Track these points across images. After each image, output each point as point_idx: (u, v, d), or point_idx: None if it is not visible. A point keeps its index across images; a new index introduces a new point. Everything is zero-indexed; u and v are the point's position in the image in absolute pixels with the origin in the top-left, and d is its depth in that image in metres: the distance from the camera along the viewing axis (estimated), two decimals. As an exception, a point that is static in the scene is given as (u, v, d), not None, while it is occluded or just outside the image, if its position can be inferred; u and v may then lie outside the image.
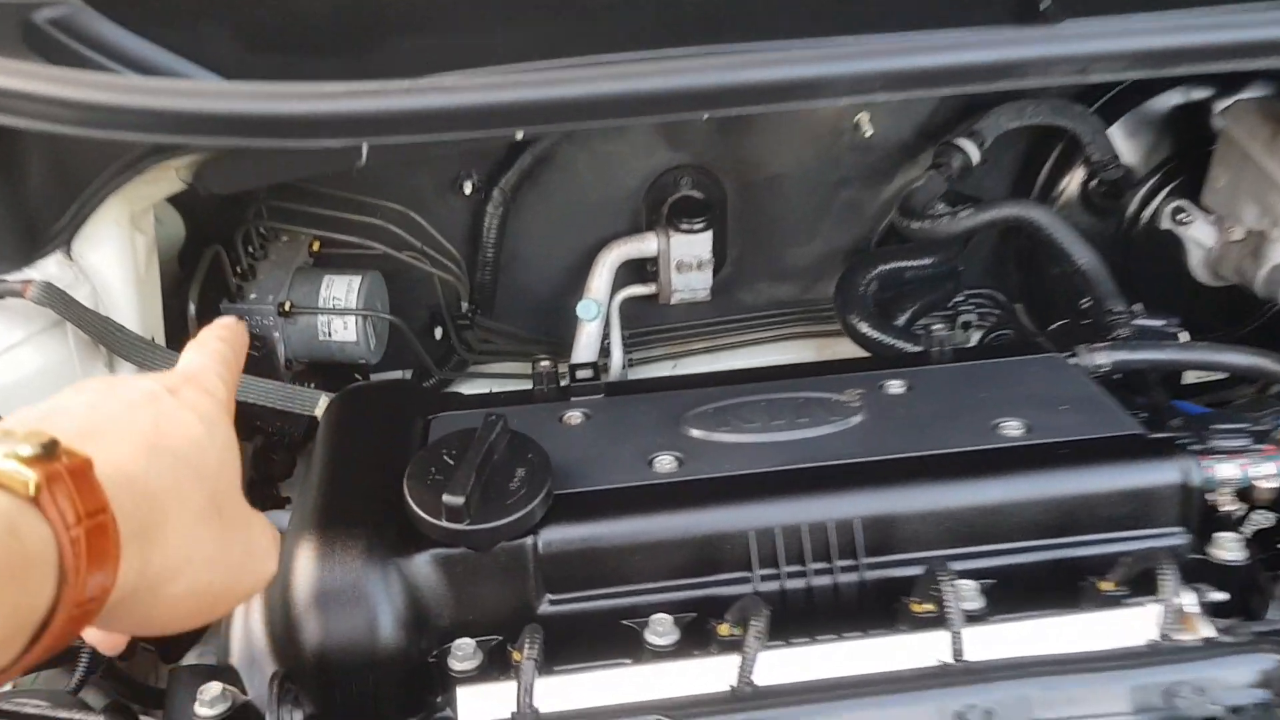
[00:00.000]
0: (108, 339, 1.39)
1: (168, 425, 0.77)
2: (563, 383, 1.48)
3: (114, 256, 1.46)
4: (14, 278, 1.34)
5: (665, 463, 1.28)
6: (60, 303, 1.33)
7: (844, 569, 1.20)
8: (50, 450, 0.62)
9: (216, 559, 0.79)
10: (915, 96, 1.11)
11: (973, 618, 1.13)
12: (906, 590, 1.18)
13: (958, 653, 1.08)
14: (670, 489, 1.24)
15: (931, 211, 1.73)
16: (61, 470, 0.61)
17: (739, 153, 1.91)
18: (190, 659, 1.52)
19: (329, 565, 1.14)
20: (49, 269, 1.39)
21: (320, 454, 1.33)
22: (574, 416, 1.39)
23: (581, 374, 1.46)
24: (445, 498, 1.12)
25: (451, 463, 1.20)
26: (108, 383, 0.81)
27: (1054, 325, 1.85)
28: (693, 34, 1.15)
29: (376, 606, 1.13)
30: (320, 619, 1.13)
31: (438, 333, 2.03)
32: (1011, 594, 1.19)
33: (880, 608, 1.19)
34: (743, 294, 2.12)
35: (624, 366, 2.03)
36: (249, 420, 1.78)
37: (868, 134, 1.83)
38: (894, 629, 1.15)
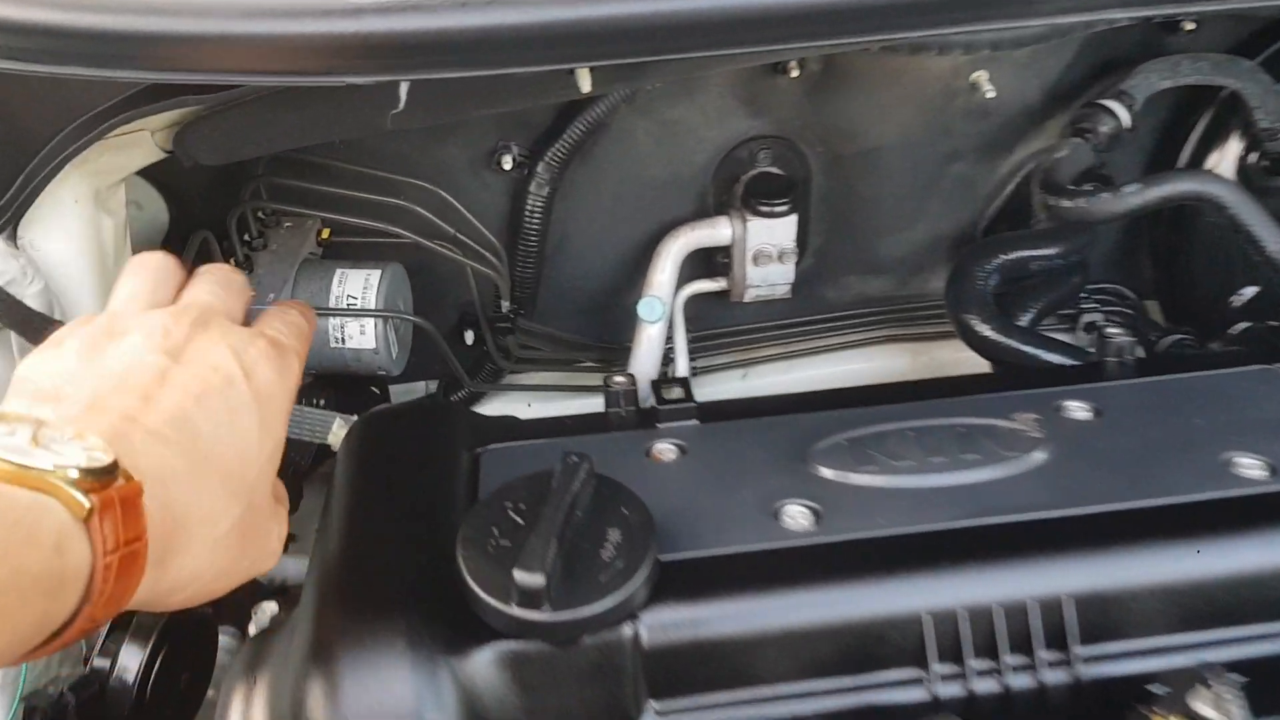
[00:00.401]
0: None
1: (225, 435, 0.76)
2: (643, 404, 1.17)
3: (74, 245, 1.15)
4: (-63, 273, 1.02)
5: (796, 515, 0.96)
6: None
7: (1052, 663, 0.89)
8: (109, 473, 0.63)
9: (228, 570, 0.80)
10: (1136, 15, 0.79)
11: (1241, 733, 0.82)
12: (1135, 691, 0.87)
13: (1245, 795, 0.76)
14: (809, 553, 0.93)
15: (1084, 188, 1.41)
16: (115, 498, 0.62)
17: (830, 119, 1.59)
18: (173, 752, 1.22)
19: (359, 667, 0.83)
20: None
21: (340, 504, 1.02)
22: (666, 450, 1.07)
23: (670, 394, 1.14)
24: (518, 575, 0.81)
25: (520, 521, 0.89)
26: (184, 349, 0.78)
27: (1240, 329, 1.53)
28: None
29: (423, 723, 0.82)
30: (346, 742, 0.81)
31: (468, 337, 1.71)
32: (1275, 694, 0.88)
33: (1103, 717, 0.88)
34: (826, 289, 1.80)
35: (689, 376, 1.71)
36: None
37: (988, 94, 1.51)
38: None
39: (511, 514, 0.89)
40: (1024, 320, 1.62)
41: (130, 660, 1.11)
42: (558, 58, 0.86)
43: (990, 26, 0.82)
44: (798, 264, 1.70)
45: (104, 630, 1.18)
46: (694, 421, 1.12)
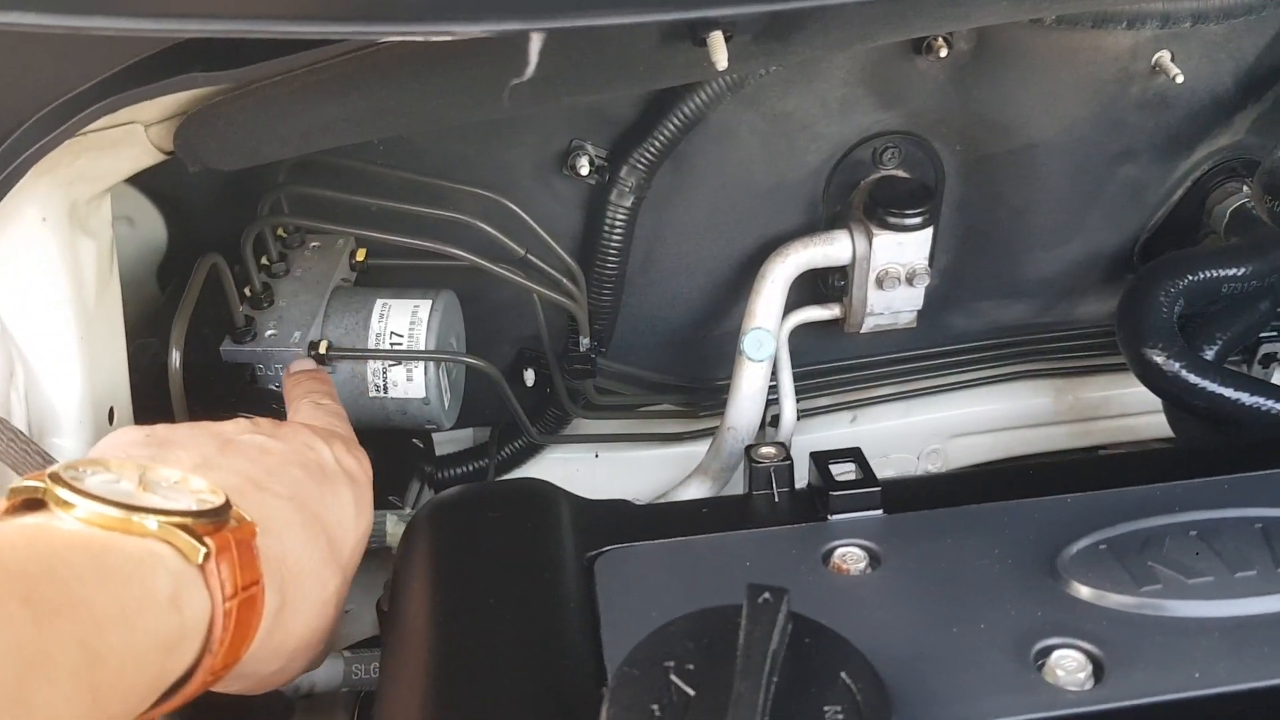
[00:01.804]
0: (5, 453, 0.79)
1: (330, 502, 0.78)
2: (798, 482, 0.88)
3: (40, 279, 0.86)
4: None
5: (1067, 667, 0.67)
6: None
7: None
8: (221, 515, 0.62)
9: (321, 643, 0.77)
10: None
11: None
12: None
13: None
14: (1101, 725, 0.64)
15: (1322, 194, 1.13)
16: (230, 540, 0.62)
17: (977, 110, 1.30)
18: None
19: None
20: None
21: (415, 631, 0.73)
22: (853, 560, 0.78)
23: (842, 473, 0.85)
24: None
25: (690, 690, 0.59)
26: (275, 431, 0.81)
27: None
28: None
29: None
30: None
31: (528, 377, 1.42)
32: None
33: None
34: (953, 317, 1.51)
35: (793, 422, 1.42)
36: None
37: (1176, 78, 1.23)
38: None
39: (677, 680, 0.60)
40: (1209, 354, 1.33)
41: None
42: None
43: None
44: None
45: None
46: (879, 512, 0.83)
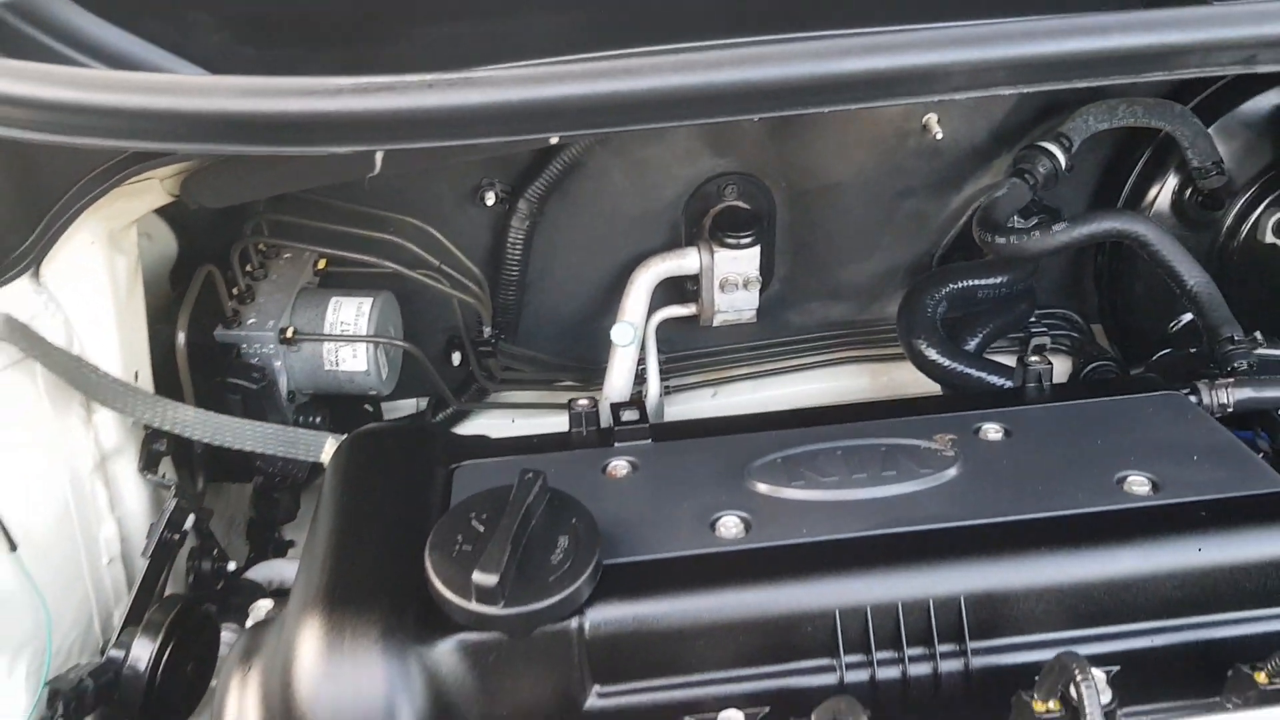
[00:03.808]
0: (80, 380, 1.21)
1: None
2: (603, 423, 1.29)
3: (90, 282, 1.28)
4: (-30, 308, 1.15)
5: (730, 525, 1.09)
6: (24, 338, 1.15)
7: (946, 654, 1.01)
8: None
9: None
10: (1044, 88, 0.92)
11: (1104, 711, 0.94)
12: (1020, 680, 0.98)
13: (1099, 768, 0.88)
14: (738, 558, 1.05)
15: (1017, 225, 1.54)
16: None
17: (791, 158, 1.72)
18: (178, 735, 1.34)
19: (338, 653, 0.95)
20: (13, 298, 1.20)
21: (326, 513, 1.14)
22: (619, 467, 1.20)
23: (626, 415, 1.27)
24: (476, 576, 0.93)
25: (481, 529, 1.01)
26: None
27: (1158, 355, 1.65)
28: (771, 21, 0.96)
29: (394, 703, 0.94)
30: (328, 715, 0.94)
31: (455, 358, 1.84)
32: (1143, 684, 1.00)
33: (990, 702, 0.99)
34: (791, 315, 1.92)
35: (660, 395, 1.84)
36: (248, 460, 1.59)
37: (937, 136, 1.63)
38: (1012, 731, 0.96)
39: (474, 523, 1.02)
40: (972, 344, 1.74)
41: (142, 651, 1.24)
42: (518, 131, 0.98)
43: (895, 102, 0.94)
44: (764, 291, 1.82)
45: (119, 624, 1.31)
46: (648, 441, 1.24)
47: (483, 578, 0.93)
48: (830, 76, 0.89)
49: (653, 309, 1.80)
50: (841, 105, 0.97)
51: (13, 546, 1.21)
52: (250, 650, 1.05)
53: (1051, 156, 1.59)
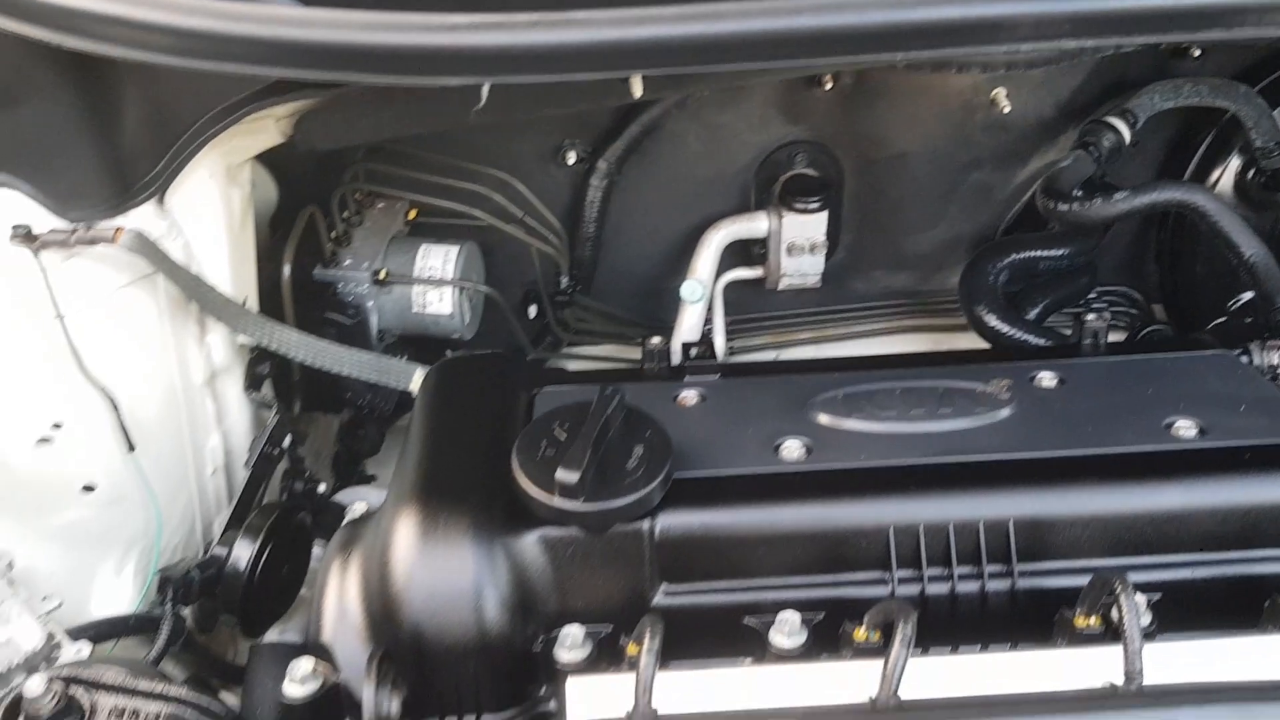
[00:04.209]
0: (199, 296, 1.32)
1: None
2: (674, 362, 1.38)
3: (209, 210, 1.39)
4: (106, 224, 1.26)
5: (793, 449, 1.16)
6: (152, 253, 1.26)
7: (994, 575, 1.08)
8: None
9: None
10: (1104, 42, 0.98)
11: (1143, 633, 1.00)
12: (1063, 602, 1.05)
13: (1133, 673, 0.94)
14: (800, 478, 1.13)
15: (1080, 194, 1.59)
16: None
17: (861, 128, 1.78)
18: (272, 636, 1.44)
19: (432, 541, 1.05)
20: (141, 220, 1.31)
21: (419, 427, 1.24)
22: (689, 397, 1.28)
23: (696, 351, 1.35)
24: (559, 473, 1.02)
25: (564, 437, 1.10)
26: None
27: (1213, 324, 1.70)
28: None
29: (481, 588, 1.04)
30: (421, 598, 1.03)
31: (532, 311, 1.93)
32: (1183, 612, 1.06)
33: (1032, 620, 1.06)
34: (855, 282, 1.99)
35: (726, 354, 1.92)
36: (338, 392, 1.70)
37: (1005, 110, 1.69)
38: (1052, 644, 1.02)
39: (557, 431, 1.10)
40: (1031, 314, 1.79)
41: (242, 551, 1.34)
42: (611, 67, 1.06)
43: (964, 50, 1.01)
44: (829, 258, 1.89)
45: (219, 533, 1.42)
46: (716, 376, 1.32)
47: (565, 474, 1.02)
48: (902, 24, 0.96)
49: (721, 270, 1.87)
50: (911, 51, 1.04)
51: (130, 447, 1.33)
52: (348, 541, 1.15)
53: (1116, 131, 1.64)
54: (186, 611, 1.41)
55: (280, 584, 1.42)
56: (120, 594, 1.40)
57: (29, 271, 1.23)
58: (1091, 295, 1.91)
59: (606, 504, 1.03)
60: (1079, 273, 1.85)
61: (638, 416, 1.13)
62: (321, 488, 1.62)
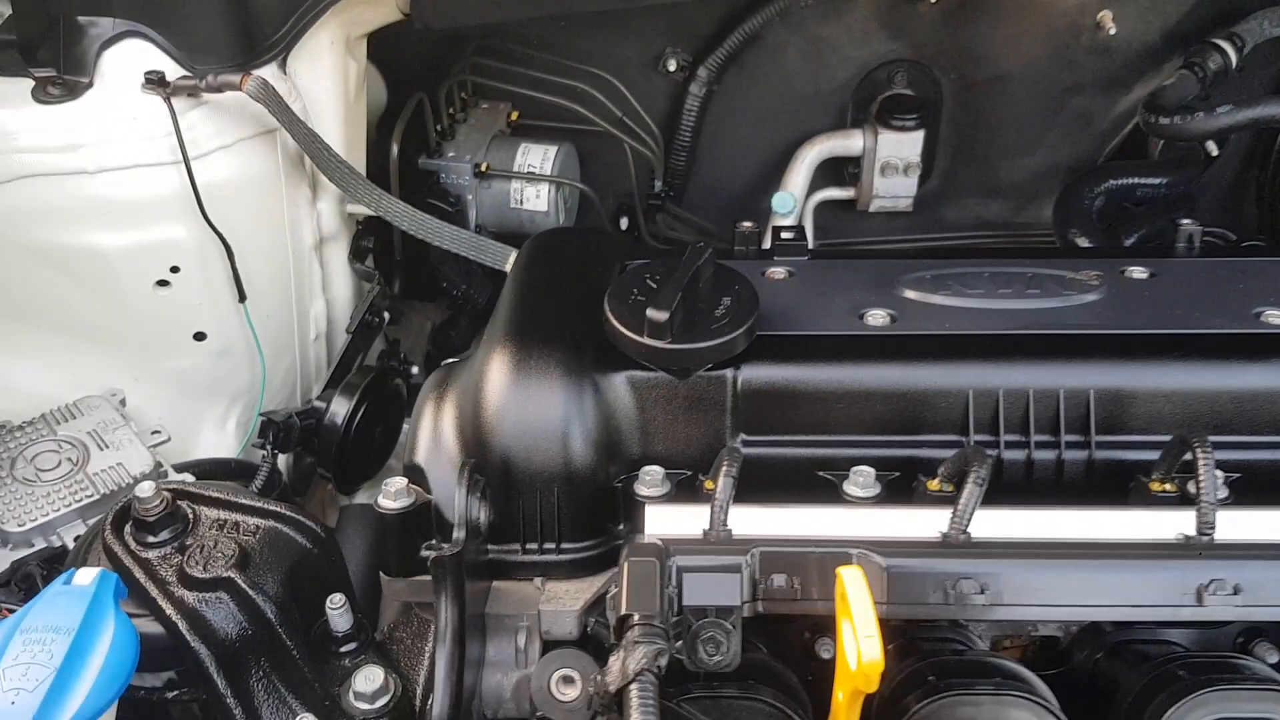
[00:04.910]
0: (315, 154, 1.38)
1: None
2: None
3: (327, 77, 1.45)
4: (232, 75, 1.33)
5: (877, 316, 1.18)
6: (275, 103, 1.32)
7: (1071, 444, 1.09)
8: None
9: None
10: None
11: (1220, 504, 1.00)
12: (1140, 475, 1.06)
13: (1205, 525, 0.95)
14: (881, 341, 1.15)
15: (1183, 109, 1.58)
16: None
17: (963, 47, 1.79)
18: (362, 498, 1.51)
19: (525, 371, 1.09)
20: (265, 77, 1.37)
21: (515, 283, 1.28)
22: (778, 272, 1.30)
23: (786, 235, 1.37)
24: (649, 312, 1.06)
25: (655, 286, 1.13)
26: None
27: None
28: None
29: (569, 420, 1.08)
30: (512, 424, 1.08)
31: (623, 223, 1.97)
32: (1260, 491, 1.06)
33: (1109, 490, 1.07)
34: (947, 210, 1.99)
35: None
36: (435, 280, 1.76)
37: (1111, 32, 1.68)
38: (1128, 505, 1.03)
39: (649, 280, 1.14)
40: (1127, 243, 1.78)
41: (340, 407, 1.41)
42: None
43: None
44: (922, 183, 1.89)
45: (323, 382, 1.49)
46: (805, 258, 1.35)
47: (655, 314, 1.06)
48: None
49: (812, 190, 1.89)
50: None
51: (242, 297, 1.40)
52: (442, 381, 1.20)
53: (1223, 53, 1.62)
54: (283, 468, 1.48)
55: (373, 445, 1.48)
56: (223, 444, 1.48)
57: (159, 116, 1.30)
58: (1189, 233, 1.88)
59: (693, 344, 1.06)
60: (1176, 204, 1.82)
61: (726, 272, 1.16)
62: (415, 369, 1.68)
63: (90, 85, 1.32)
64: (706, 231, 1.99)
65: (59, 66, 1.32)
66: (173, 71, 1.32)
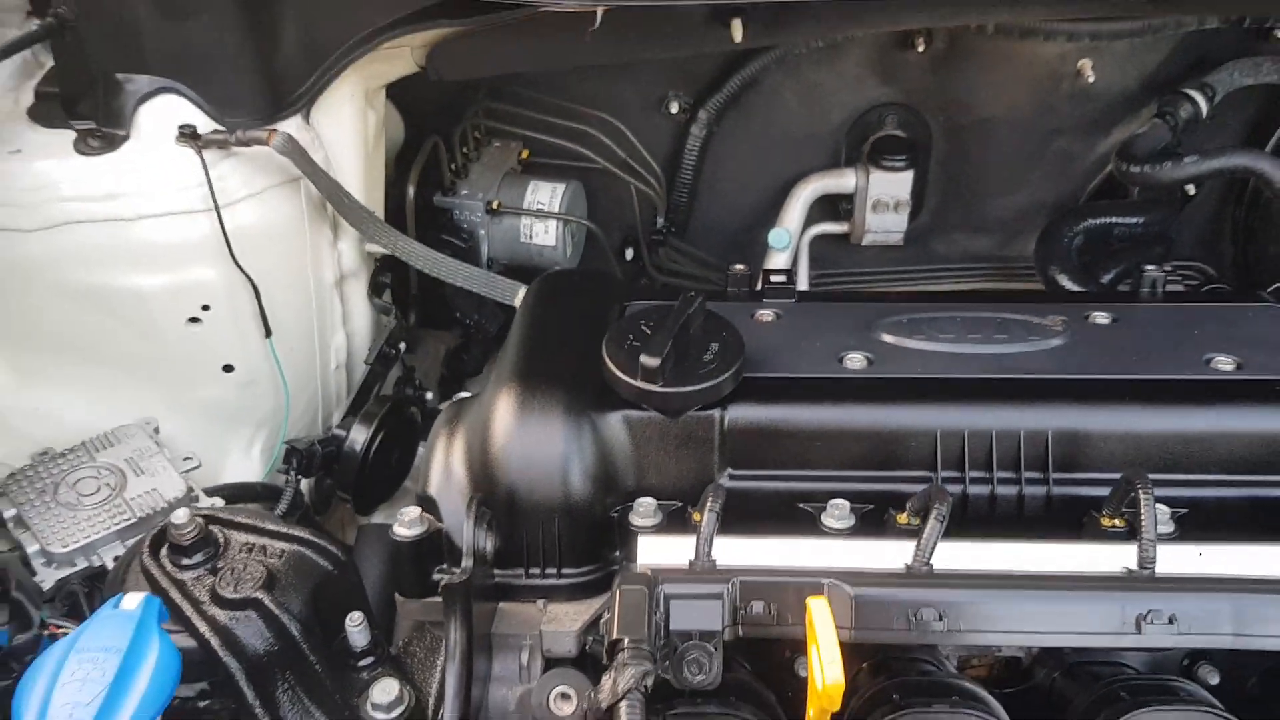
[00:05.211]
0: (336, 201, 1.48)
1: None
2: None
3: (347, 127, 1.55)
4: (260, 131, 1.43)
5: (855, 361, 1.28)
6: (299, 155, 1.42)
7: (1030, 481, 1.18)
8: None
9: None
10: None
11: (1164, 538, 1.09)
12: (1093, 510, 1.15)
13: (1146, 560, 1.04)
14: (858, 384, 1.25)
15: (1153, 159, 1.67)
16: None
17: (950, 92, 1.88)
18: (379, 518, 1.61)
19: (529, 413, 1.19)
20: (289, 130, 1.48)
21: (521, 325, 1.38)
22: (765, 315, 1.40)
23: (775, 279, 1.47)
24: (642, 359, 1.15)
25: (649, 332, 1.23)
26: None
27: (1275, 287, 1.75)
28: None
29: (569, 456, 1.17)
30: (516, 462, 1.17)
31: (629, 254, 2.07)
32: (1204, 527, 1.15)
33: (1064, 524, 1.16)
34: (937, 244, 2.09)
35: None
36: (449, 310, 1.86)
37: (1090, 80, 1.77)
38: (1079, 540, 1.12)
39: (643, 327, 1.24)
40: (1105, 279, 1.87)
41: (359, 435, 1.51)
42: None
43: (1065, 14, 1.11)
44: (914, 218, 1.99)
45: (343, 409, 1.59)
46: (792, 300, 1.44)
47: (648, 359, 1.15)
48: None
49: (808, 224, 1.99)
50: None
51: (268, 332, 1.50)
52: (453, 418, 1.30)
53: (1194, 102, 1.71)
54: (305, 490, 1.59)
55: (389, 469, 1.58)
56: (249, 468, 1.58)
57: (192, 167, 1.40)
58: (1166, 267, 1.97)
59: (683, 388, 1.16)
60: (1153, 242, 1.91)
61: (716, 319, 1.26)
62: (429, 396, 1.78)
63: (127, 137, 1.42)
64: (706, 264, 2.09)
65: (98, 119, 1.43)
66: (204, 125, 1.42)
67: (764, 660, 1.15)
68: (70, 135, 1.43)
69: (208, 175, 1.39)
